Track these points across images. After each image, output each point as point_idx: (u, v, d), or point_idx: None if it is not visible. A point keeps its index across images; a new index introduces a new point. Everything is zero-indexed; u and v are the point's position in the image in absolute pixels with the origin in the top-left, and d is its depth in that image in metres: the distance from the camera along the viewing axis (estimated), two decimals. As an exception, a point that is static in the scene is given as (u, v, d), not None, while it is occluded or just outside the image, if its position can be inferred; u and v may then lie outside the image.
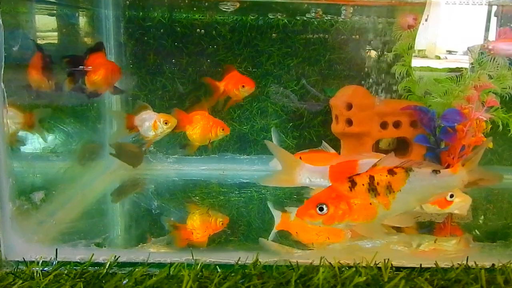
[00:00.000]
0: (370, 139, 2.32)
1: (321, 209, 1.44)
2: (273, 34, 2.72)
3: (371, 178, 1.49)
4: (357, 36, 2.68)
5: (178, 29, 2.66)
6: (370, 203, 1.47)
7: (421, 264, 1.43)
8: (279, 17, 2.69)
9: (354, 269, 1.27)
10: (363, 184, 1.48)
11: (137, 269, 1.40)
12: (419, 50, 2.40)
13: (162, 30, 2.66)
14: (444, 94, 2.27)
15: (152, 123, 2.32)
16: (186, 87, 2.74)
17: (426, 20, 2.31)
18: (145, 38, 2.66)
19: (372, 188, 1.48)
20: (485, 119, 2.19)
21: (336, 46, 2.74)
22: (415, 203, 1.60)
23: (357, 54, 2.69)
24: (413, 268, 1.43)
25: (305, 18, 2.71)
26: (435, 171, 1.54)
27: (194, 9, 2.63)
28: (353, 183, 1.47)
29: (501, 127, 2.28)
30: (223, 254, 1.54)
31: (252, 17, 2.70)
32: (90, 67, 2.21)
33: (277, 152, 1.78)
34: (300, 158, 1.87)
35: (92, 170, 2.57)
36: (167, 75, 2.72)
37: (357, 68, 2.68)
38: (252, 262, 1.43)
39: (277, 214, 2.07)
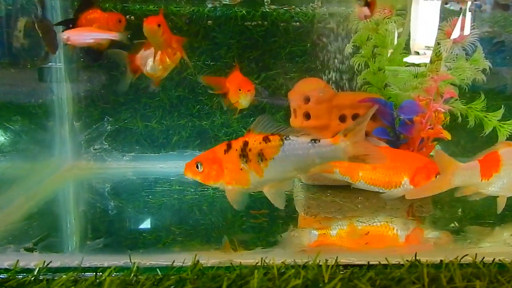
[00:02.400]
0: (329, 133, 2.25)
1: (197, 166, 1.55)
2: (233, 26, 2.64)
3: (245, 143, 1.51)
4: (319, 27, 2.62)
5: (131, 20, 2.54)
6: (241, 169, 1.50)
7: (368, 262, 1.37)
8: (237, 8, 2.61)
9: (293, 270, 1.20)
10: (236, 149, 1.51)
11: (64, 276, 1.30)
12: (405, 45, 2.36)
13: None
14: (403, 86, 2.23)
15: (157, 57, 2.06)
16: (142, 82, 2.63)
17: (410, 15, 2.28)
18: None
19: (244, 154, 1.50)
20: (443, 110, 2.15)
21: (297, 38, 2.67)
22: (292, 172, 1.56)
23: (318, 46, 2.63)
24: (361, 266, 1.37)
25: (264, 10, 2.64)
26: (314, 140, 1.51)
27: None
28: (228, 147, 1.53)
29: (460, 118, 2.24)
30: (167, 256, 1.46)
31: (209, 8, 2.61)
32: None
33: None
34: None
35: (42, 169, 2.45)
36: (121, 69, 2.61)
37: (318, 60, 2.62)
38: (191, 264, 1.35)
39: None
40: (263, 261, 1.29)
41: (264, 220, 1.87)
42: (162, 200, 2.16)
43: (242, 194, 1.57)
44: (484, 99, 2.21)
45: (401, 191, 1.83)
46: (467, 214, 2.11)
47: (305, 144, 1.50)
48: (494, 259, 1.37)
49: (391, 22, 2.21)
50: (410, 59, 2.36)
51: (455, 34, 2.09)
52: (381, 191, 1.87)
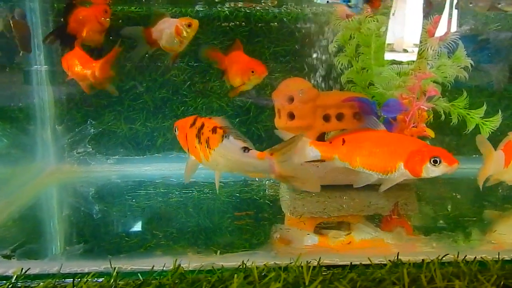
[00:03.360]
0: (314, 132, 2.25)
1: (175, 129, 1.74)
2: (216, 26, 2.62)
3: (202, 126, 1.61)
4: (302, 27, 2.61)
5: (113, 21, 2.51)
6: (195, 147, 1.62)
7: (351, 263, 1.37)
8: (219, 8, 2.59)
9: (274, 273, 1.19)
10: (196, 127, 1.62)
11: (42, 283, 1.27)
12: (388, 44, 2.36)
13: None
14: (387, 85, 2.23)
15: (173, 30, 2.04)
16: (125, 83, 2.61)
17: (393, 14, 2.28)
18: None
19: (198, 135, 1.61)
20: (426, 108, 2.16)
21: (281, 38, 2.66)
22: (224, 168, 1.62)
23: (302, 46, 2.62)
24: (344, 267, 1.37)
25: (247, 10, 2.62)
26: (245, 149, 1.54)
27: (130, 1, 2.50)
28: (194, 122, 1.64)
29: (443, 116, 2.25)
30: (149, 261, 1.44)
31: (192, 9, 2.59)
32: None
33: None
34: (344, 139, 1.88)
35: (24, 174, 2.41)
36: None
37: (302, 60, 2.61)
38: (172, 269, 1.33)
39: None
40: (244, 264, 1.27)
41: (249, 222, 1.86)
42: (146, 203, 2.14)
43: (195, 166, 1.72)
44: (467, 97, 2.22)
45: (397, 175, 1.75)
46: (451, 211, 2.12)
47: (237, 149, 1.55)
48: (475, 257, 1.37)
49: (374, 21, 2.21)
50: (396, 56, 2.36)
51: (437, 32, 2.09)
52: (380, 176, 1.80)
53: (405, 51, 2.34)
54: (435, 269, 1.20)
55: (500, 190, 2.44)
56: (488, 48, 2.79)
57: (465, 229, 1.85)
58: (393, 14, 2.34)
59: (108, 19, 2.19)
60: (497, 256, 1.38)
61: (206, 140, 1.58)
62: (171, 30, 2.05)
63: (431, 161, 1.65)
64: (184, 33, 2.04)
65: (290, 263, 1.30)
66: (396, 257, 1.36)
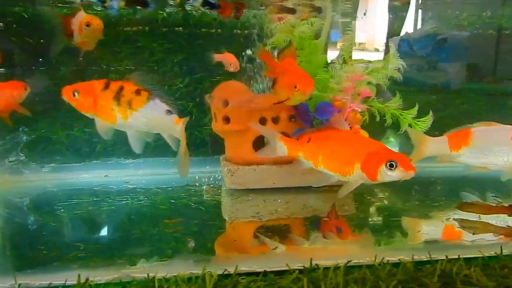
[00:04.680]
0: (250, 136, 2.24)
1: (74, 94, 1.74)
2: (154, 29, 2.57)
3: (121, 88, 1.71)
4: (242, 30, 2.59)
5: (44, 25, 2.43)
6: (112, 109, 1.71)
7: (265, 270, 1.35)
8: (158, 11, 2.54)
9: (174, 286, 1.16)
10: (112, 91, 1.71)
11: None
12: (359, 43, 2.35)
13: (25, 26, 2.42)
14: (322, 87, 2.23)
15: (77, 26, 1.99)
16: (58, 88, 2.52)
17: (364, 14, 2.27)
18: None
19: (117, 98, 1.71)
20: (360, 110, 2.17)
21: (222, 41, 2.63)
22: (145, 128, 1.78)
23: (242, 48, 2.60)
24: (258, 274, 1.34)
25: (187, 12, 2.58)
26: (169, 111, 1.76)
27: (59, 4, 2.42)
28: (106, 86, 1.72)
29: (378, 117, 2.26)
30: (62, 275, 1.38)
31: (129, 11, 2.53)
32: None
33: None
34: (309, 138, 1.87)
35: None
36: (35, 75, 2.49)
37: (242, 62, 2.59)
38: (82, 283, 1.28)
39: None
40: (149, 276, 1.24)
41: (178, 230, 1.82)
42: (77, 213, 2.07)
43: (108, 128, 1.79)
44: (400, 98, 2.24)
45: (355, 177, 1.70)
46: (385, 212, 2.14)
47: (162, 110, 1.74)
48: (388, 260, 1.38)
49: (308, 24, 2.21)
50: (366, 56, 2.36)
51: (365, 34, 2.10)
52: (339, 178, 1.77)
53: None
54: (336, 276, 1.19)
55: (439, 188, 2.49)
56: (447, 47, 2.84)
57: (392, 230, 1.86)
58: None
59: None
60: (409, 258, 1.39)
61: (128, 102, 1.70)
62: (76, 26, 2.00)
63: (387, 165, 1.59)
64: (84, 30, 1.99)
65: (206, 272, 1.27)
66: (309, 263, 1.35)
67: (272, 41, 2.31)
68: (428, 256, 1.43)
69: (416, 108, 2.22)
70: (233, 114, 2.20)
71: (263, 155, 2.01)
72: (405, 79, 2.27)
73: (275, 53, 2.21)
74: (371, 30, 2.35)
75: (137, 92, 1.72)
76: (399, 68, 2.20)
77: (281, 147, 1.93)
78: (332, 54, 2.31)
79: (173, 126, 1.78)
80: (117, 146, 2.64)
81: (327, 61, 2.25)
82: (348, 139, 1.80)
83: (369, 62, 2.27)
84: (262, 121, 2.23)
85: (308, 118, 2.16)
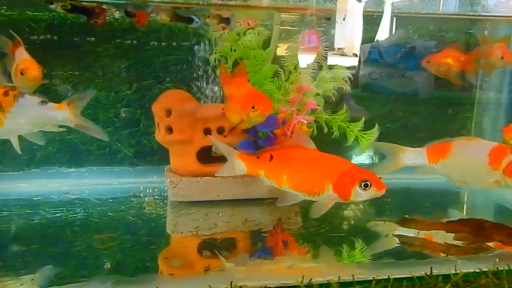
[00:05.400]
0: (194, 147, 2.17)
1: None
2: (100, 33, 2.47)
3: None
4: (192, 37, 2.52)
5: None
6: None
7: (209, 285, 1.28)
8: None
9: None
10: None
11: None
12: (338, 48, 2.30)
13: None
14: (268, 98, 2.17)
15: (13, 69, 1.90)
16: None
17: (343, 19, 2.23)
18: None
19: None
20: (306, 122, 2.12)
21: (171, 47, 2.56)
22: (27, 127, 1.73)
23: (191, 55, 2.53)
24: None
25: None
26: (43, 102, 1.70)
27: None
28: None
29: (325, 129, 2.23)
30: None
31: (72, 15, 2.42)
32: None
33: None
34: (271, 155, 1.81)
35: None
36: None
37: (191, 70, 2.52)
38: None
39: None
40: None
41: (105, 246, 1.73)
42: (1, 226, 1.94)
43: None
44: (347, 109, 2.22)
45: (325, 197, 1.64)
46: (330, 227, 2.09)
47: (35, 103, 1.69)
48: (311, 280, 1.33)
49: (254, 33, 2.16)
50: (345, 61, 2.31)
51: (309, 45, 2.07)
52: (306, 198, 1.71)
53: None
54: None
55: (389, 200, 2.46)
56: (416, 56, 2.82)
57: (334, 247, 1.80)
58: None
59: None
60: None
61: (1, 105, 1.66)
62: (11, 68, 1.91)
63: (361, 185, 1.56)
64: (18, 77, 1.86)
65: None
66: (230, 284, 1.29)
67: (219, 50, 2.25)
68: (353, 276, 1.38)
69: (363, 120, 2.20)
70: (176, 124, 2.13)
71: (221, 173, 1.92)
72: (374, 87, 2.24)
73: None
74: (350, 35, 2.31)
75: (5, 94, 1.67)
76: (346, 80, 2.17)
77: (239, 165, 1.86)
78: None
79: (56, 114, 1.69)
80: (61, 154, 2.53)
81: (276, 71, 2.19)
82: (315, 158, 1.73)
83: (320, 70, 2.22)
84: (207, 132, 2.16)
85: (253, 130, 2.10)
